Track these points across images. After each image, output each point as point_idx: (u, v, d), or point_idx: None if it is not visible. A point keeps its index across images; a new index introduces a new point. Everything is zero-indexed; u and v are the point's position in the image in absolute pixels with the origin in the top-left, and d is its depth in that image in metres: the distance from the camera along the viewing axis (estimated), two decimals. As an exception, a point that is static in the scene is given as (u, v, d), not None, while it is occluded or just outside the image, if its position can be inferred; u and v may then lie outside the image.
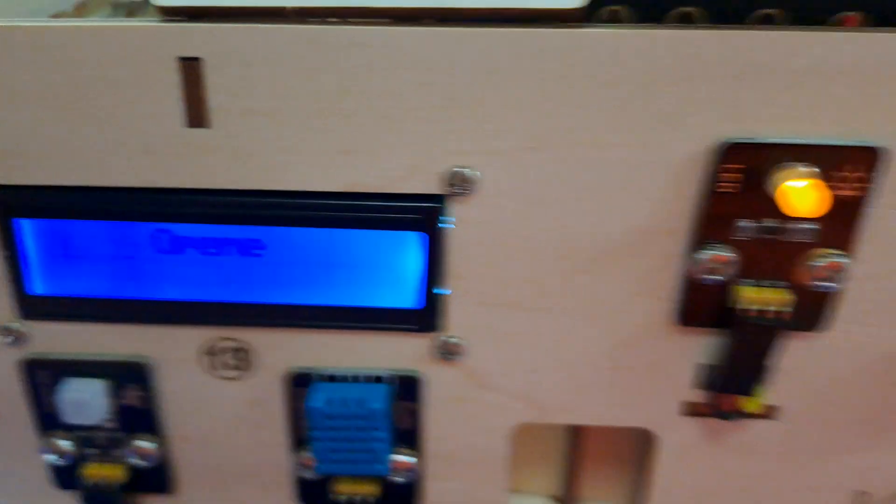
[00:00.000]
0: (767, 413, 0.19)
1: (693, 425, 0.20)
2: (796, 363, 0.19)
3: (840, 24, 0.18)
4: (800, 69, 0.15)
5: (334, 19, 0.15)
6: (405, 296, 0.18)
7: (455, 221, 0.17)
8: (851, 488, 0.21)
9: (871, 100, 0.16)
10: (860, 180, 0.16)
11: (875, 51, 0.15)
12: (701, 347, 0.18)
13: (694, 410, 0.20)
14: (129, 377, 0.19)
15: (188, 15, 0.15)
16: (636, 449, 0.21)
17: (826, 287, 0.17)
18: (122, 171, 0.17)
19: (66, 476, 0.21)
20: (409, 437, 0.20)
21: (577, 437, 0.22)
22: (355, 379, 0.20)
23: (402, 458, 0.20)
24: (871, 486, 0.21)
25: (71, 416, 0.19)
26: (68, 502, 0.22)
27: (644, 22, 0.17)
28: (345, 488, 0.21)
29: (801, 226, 0.17)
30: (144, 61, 0.16)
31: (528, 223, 0.17)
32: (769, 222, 0.17)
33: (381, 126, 0.16)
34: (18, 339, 0.20)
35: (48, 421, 0.20)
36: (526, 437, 0.24)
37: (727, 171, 0.16)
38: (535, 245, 0.17)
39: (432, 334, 0.19)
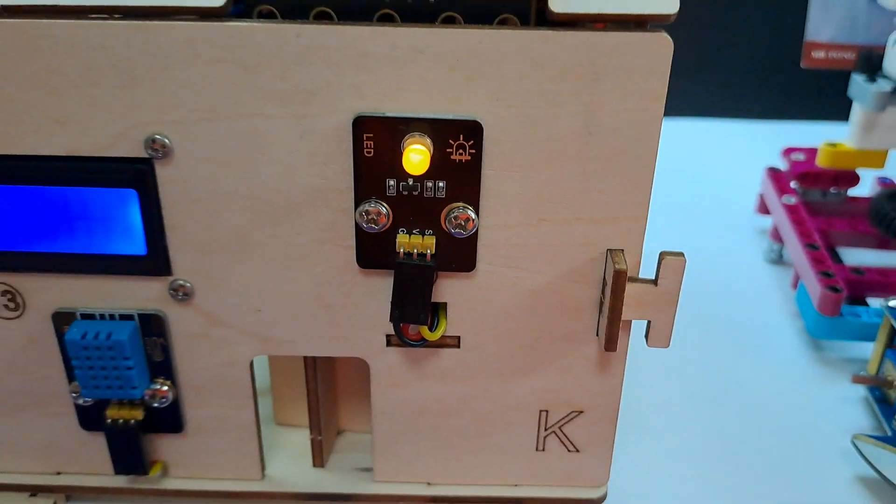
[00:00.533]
0: (451, 342, 0.23)
1: (395, 354, 0.24)
2: (461, 299, 0.23)
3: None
4: (403, 57, 0.19)
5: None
6: (134, 245, 0.22)
7: (162, 181, 0.21)
8: (536, 408, 0.25)
9: (470, 82, 0.20)
10: (470, 147, 0.20)
11: (468, 42, 0.19)
12: (385, 286, 0.22)
13: (392, 342, 0.24)
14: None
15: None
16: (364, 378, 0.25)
17: (460, 234, 0.21)
18: None
19: None
20: (164, 369, 0.24)
21: (325, 371, 0.26)
22: (111, 318, 0.23)
23: (159, 387, 0.24)
24: (551, 405, 0.25)
25: None
26: None
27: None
28: (113, 412, 0.25)
29: (433, 183, 0.21)
30: None
31: (223, 182, 0.21)
32: (409, 181, 0.21)
33: (86, 101, 0.20)
34: None
35: None
36: (285, 372, 0.28)
37: (365, 139, 0.20)
38: (234, 201, 0.21)
39: (166, 278, 0.23)
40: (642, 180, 0.21)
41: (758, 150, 0.51)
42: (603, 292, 0.22)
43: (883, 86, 0.38)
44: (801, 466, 0.29)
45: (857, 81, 0.38)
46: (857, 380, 0.30)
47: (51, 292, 0.23)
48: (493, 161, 0.20)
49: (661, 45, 0.19)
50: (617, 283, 0.21)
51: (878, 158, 0.40)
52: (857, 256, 0.40)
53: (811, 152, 0.42)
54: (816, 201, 0.42)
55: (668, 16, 0.19)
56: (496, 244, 0.22)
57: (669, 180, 0.47)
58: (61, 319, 0.23)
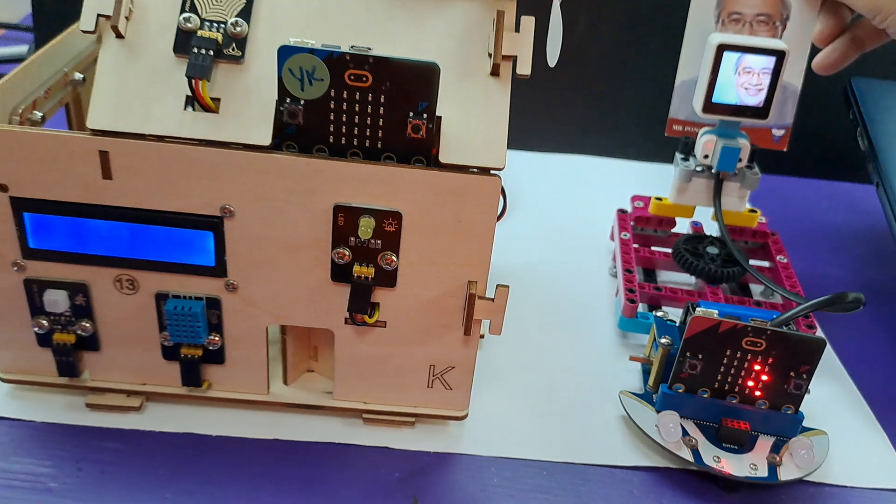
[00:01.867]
0: (381, 325, 0.42)
1: (349, 329, 0.42)
2: (387, 301, 0.41)
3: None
4: (361, 177, 0.37)
5: None
6: (208, 259, 0.40)
7: (227, 228, 0.39)
8: (427, 363, 0.43)
9: (396, 192, 0.38)
10: (395, 224, 0.38)
11: (395, 173, 0.37)
12: (345, 292, 0.41)
13: (348, 322, 0.42)
14: (78, 291, 0.41)
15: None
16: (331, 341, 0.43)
17: (388, 268, 0.39)
18: None
19: (44, 340, 0.43)
20: (216, 328, 0.42)
21: (306, 336, 0.45)
22: (190, 298, 0.41)
23: (213, 338, 0.42)
24: (436, 362, 0.43)
25: (48, 308, 0.41)
26: (47, 356, 0.43)
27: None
28: (185, 350, 0.43)
29: (374, 241, 0.39)
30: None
31: (261, 231, 0.39)
32: (361, 239, 0.39)
33: (190, 185, 0.38)
34: (21, 268, 0.41)
35: (35, 310, 0.42)
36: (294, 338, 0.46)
37: (339, 216, 0.38)
38: (265, 241, 0.39)
39: (223, 279, 0.41)
40: (485, 245, 0.39)
41: (637, 184, 0.70)
42: (465, 303, 0.41)
43: (691, 165, 0.56)
44: (593, 407, 0.48)
45: (677, 158, 0.57)
46: (633, 358, 0.49)
47: (157, 281, 0.41)
48: (407, 232, 0.39)
49: (494, 182, 0.37)
50: (471, 299, 0.40)
51: (688, 211, 0.59)
52: (670, 276, 0.59)
53: (647, 200, 0.61)
54: (649, 235, 0.60)
55: (500, 167, 0.37)
56: (407, 274, 0.40)
57: (557, 205, 0.66)
58: (161, 297, 0.41)
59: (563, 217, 0.67)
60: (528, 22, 0.37)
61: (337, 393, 0.44)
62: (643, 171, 0.76)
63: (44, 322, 0.41)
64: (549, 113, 0.75)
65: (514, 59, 0.37)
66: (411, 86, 0.35)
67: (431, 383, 0.43)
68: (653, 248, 0.59)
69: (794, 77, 0.55)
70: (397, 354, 0.42)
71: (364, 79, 0.35)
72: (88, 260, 0.39)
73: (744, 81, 0.51)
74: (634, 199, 0.61)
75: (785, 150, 0.57)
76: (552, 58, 0.37)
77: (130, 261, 0.40)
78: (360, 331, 0.41)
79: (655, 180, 0.73)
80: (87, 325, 0.41)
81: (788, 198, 0.74)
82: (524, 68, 0.37)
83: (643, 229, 0.60)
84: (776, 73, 0.51)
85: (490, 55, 0.38)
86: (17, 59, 0.82)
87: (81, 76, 0.46)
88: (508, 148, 0.38)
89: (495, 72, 0.37)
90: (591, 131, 0.78)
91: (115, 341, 0.42)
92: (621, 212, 0.61)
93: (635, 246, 0.58)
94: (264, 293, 0.40)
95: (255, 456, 0.42)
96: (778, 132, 0.57)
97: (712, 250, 0.56)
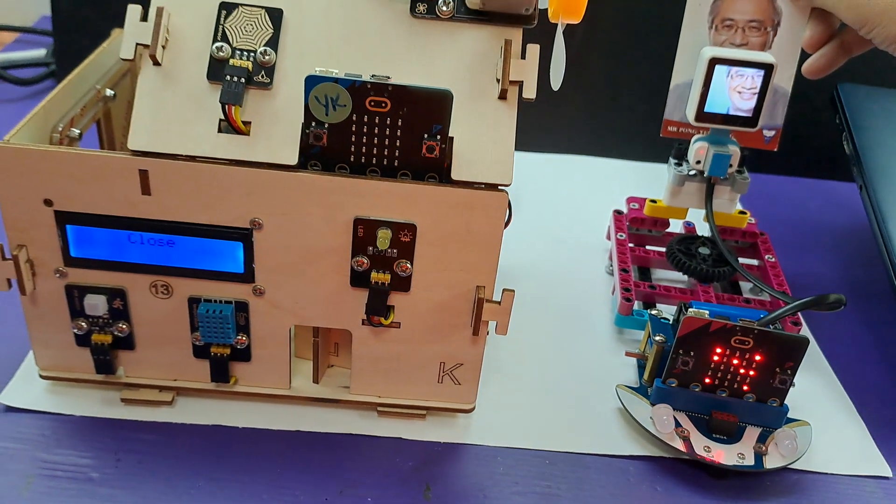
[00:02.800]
0: (395, 325, 0.45)
1: (366, 329, 0.45)
2: (402, 304, 0.44)
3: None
4: (380, 192, 0.41)
5: None
6: (237, 266, 0.43)
7: (256, 239, 0.42)
8: (438, 361, 0.47)
9: (411, 205, 0.41)
10: (410, 235, 0.42)
11: (411, 188, 0.41)
12: (363, 296, 0.44)
13: (365, 323, 0.45)
14: (116, 296, 0.44)
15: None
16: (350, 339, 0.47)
17: (403, 274, 0.43)
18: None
19: (83, 340, 0.46)
20: (244, 329, 0.45)
21: (327, 334, 0.48)
22: (220, 302, 0.45)
23: (241, 337, 0.46)
24: (446, 360, 0.47)
25: (88, 311, 0.44)
26: (84, 354, 0.47)
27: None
28: (215, 349, 0.46)
29: (390, 251, 0.42)
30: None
31: (286, 241, 0.42)
32: (379, 249, 0.42)
33: (222, 200, 0.41)
34: (63, 275, 0.44)
35: (74, 313, 0.45)
36: (306, 332, 0.49)
37: (358, 228, 0.41)
38: (290, 249, 0.43)
39: (251, 284, 0.44)
40: (492, 254, 0.42)
41: (634, 184, 0.74)
42: (474, 306, 0.44)
43: (684, 169, 0.60)
44: (591, 399, 0.51)
45: (671, 163, 0.61)
46: (628, 354, 0.53)
47: (189, 286, 0.44)
48: (421, 242, 0.42)
49: (501, 197, 0.41)
50: (479, 303, 0.43)
51: (681, 213, 0.62)
52: (664, 274, 0.63)
53: (642, 202, 0.64)
54: (644, 235, 0.64)
55: (507, 184, 0.41)
56: (420, 279, 0.43)
57: (556, 205, 0.70)
58: (193, 301, 0.45)
59: (561, 217, 0.70)
60: (534, 50, 0.40)
61: (354, 388, 0.48)
62: (639, 170, 0.79)
63: (83, 324, 0.45)
64: (548, 114, 0.78)
65: (520, 84, 0.40)
66: (426, 111, 0.38)
67: (441, 379, 0.47)
68: (648, 248, 0.63)
69: (784, 81, 0.58)
70: (410, 352, 0.46)
71: (383, 105, 0.38)
72: (126, 268, 0.43)
73: (737, 85, 0.54)
74: (630, 200, 0.64)
75: (776, 150, 0.60)
76: (556, 82, 0.40)
77: (165, 268, 0.43)
78: (375, 331, 0.45)
79: (653, 180, 0.77)
80: (124, 326, 0.45)
81: (778, 196, 0.78)
82: (530, 93, 0.40)
83: (638, 230, 0.63)
84: (765, 85, 0.54)
85: (498, 80, 0.41)
86: (36, 64, 0.85)
87: (112, 92, 0.49)
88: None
89: (503, 96, 0.41)
90: (588, 132, 0.81)
91: (149, 341, 0.46)
92: (617, 213, 0.64)
93: (631, 245, 0.62)
94: (288, 297, 0.44)
95: (279, 446, 0.46)
96: (769, 133, 0.60)
97: (704, 251, 0.59)
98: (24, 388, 0.47)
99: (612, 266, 0.62)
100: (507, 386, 0.52)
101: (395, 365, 0.46)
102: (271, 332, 0.45)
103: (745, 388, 0.47)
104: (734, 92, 0.55)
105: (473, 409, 0.48)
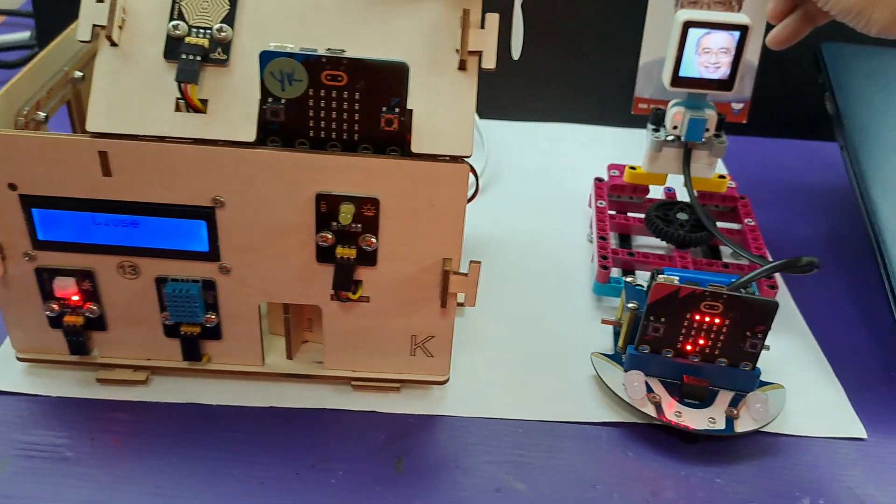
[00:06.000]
0: (364, 300, 0.45)
1: (335, 304, 0.45)
2: (369, 279, 0.44)
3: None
4: (341, 167, 0.41)
5: None
6: (202, 245, 0.43)
7: (219, 217, 0.42)
8: (409, 334, 0.47)
9: (372, 180, 0.41)
10: (373, 209, 0.42)
11: (372, 162, 0.40)
12: (330, 271, 0.44)
13: (333, 298, 0.45)
14: (85, 277, 0.44)
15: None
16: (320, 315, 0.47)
17: (368, 248, 0.42)
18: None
19: (56, 322, 0.46)
20: (213, 307, 0.46)
21: (297, 310, 0.48)
22: (187, 281, 0.45)
23: (210, 316, 0.46)
24: (417, 332, 0.47)
25: (58, 293, 0.45)
26: (59, 336, 0.47)
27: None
28: (185, 328, 0.46)
29: (354, 226, 0.42)
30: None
31: (250, 219, 0.42)
32: (342, 224, 0.42)
33: (184, 179, 0.41)
34: (32, 258, 0.44)
35: (46, 295, 0.45)
36: (277, 309, 0.49)
37: (321, 204, 0.41)
38: (254, 227, 0.42)
39: (217, 262, 0.44)
40: (456, 226, 0.42)
41: (616, 150, 0.73)
42: (441, 278, 0.44)
43: (661, 135, 0.59)
44: (568, 367, 0.51)
45: (648, 129, 0.60)
46: (604, 322, 0.53)
47: (156, 266, 0.44)
48: (384, 216, 0.42)
49: (463, 168, 0.40)
50: (445, 275, 0.43)
51: (660, 178, 0.62)
52: (645, 241, 0.63)
53: (622, 169, 0.63)
54: (625, 202, 0.64)
55: (468, 155, 0.40)
56: (386, 253, 0.43)
57: (539, 173, 0.69)
58: (160, 281, 0.45)
59: (544, 185, 0.70)
60: (493, 19, 0.40)
61: (327, 362, 0.48)
62: (622, 136, 0.79)
63: (54, 306, 0.45)
64: (529, 81, 0.77)
65: (479, 54, 0.40)
66: (383, 84, 0.38)
67: (414, 351, 0.47)
68: (628, 215, 0.62)
69: (751, 53, 0.57)
70: (381, 326, 0.46)
71: (339, 78, 0.38)
72: (93, 249, 0.43)
73: (703, 61, 0.53)
74: (611, 167, 0.64)
75: (744, 122, 0.60)
76: (516, 51, 0.40)
77: (131, 249, 0.43)
78: (345, 306, 0.45)
79: (636, 145, 0.75)
80: (95, 307, 0.45)
81: (758, 158, 0.77)
82: (489, 62, 0.40)
83: (619, 197, 0.63)
84: (740, 47, 0.54)
85: (457, 51, 0.40)
86: (20, 46, 0.85)
87: (81, 74, 0.49)
88: (489, 117, 0.41)
89: (462, 66, 0.40)
90: (570, 98, 0.80)
91: (120, 322, 0.46)
92: (598, 180, 0.64)
93: (611, 213, 0.61)
94: (255, 275, 0.44)
95: (253, 422, 0.46)
96: (737, 105, 0.60)
97: (682, 216, 0.59)
98: (2, 370, 0.48)
99: (592, 234, 0.62)
100: (484, 356, 0.52)
101: (367, 339, 0.46)
102: (240, 309, 0.45)
103: (717, 352, 0.47)
104: (701, 67, 0.54)
105: (448, 380, 0.48)
